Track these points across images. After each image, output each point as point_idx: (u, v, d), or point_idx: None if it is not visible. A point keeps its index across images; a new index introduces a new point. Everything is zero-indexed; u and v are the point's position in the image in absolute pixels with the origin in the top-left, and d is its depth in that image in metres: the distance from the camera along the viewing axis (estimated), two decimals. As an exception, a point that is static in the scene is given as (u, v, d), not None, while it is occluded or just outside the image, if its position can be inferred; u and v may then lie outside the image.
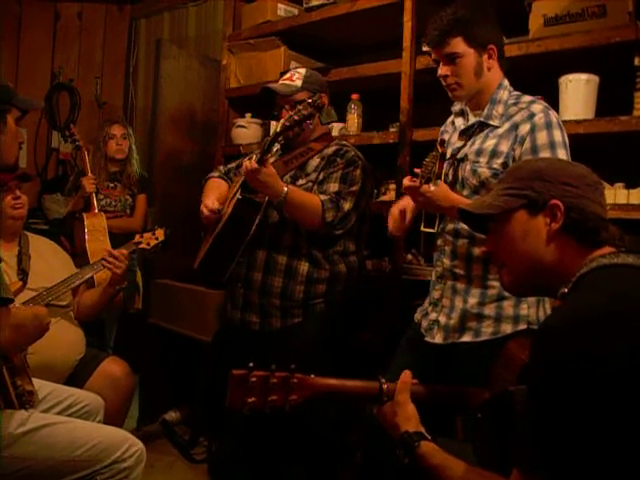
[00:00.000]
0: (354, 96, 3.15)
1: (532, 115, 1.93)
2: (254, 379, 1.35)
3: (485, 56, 2.01)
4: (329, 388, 1.45)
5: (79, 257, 3.30)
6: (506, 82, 2.08)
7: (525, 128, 1.92)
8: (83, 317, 2.72)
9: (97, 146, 3.95)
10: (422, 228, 2.12)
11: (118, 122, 4.09)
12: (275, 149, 2.58)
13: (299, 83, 2.53)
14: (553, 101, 2.48)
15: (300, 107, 2.25)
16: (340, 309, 2.56)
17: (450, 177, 2.06)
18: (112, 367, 2.66)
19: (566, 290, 1.24)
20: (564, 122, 2.36)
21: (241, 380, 1.35)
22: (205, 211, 2.54)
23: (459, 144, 2.10)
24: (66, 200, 4.18)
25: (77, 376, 2.55)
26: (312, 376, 1.43)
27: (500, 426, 1.39)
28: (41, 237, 2.82)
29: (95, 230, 3.47)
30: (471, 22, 1.97)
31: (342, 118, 3.18)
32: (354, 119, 3.15)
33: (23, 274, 2.48)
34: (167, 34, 5.21)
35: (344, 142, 2.67)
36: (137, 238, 2.78)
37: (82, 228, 3.49)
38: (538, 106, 1.96)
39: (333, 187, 2.44)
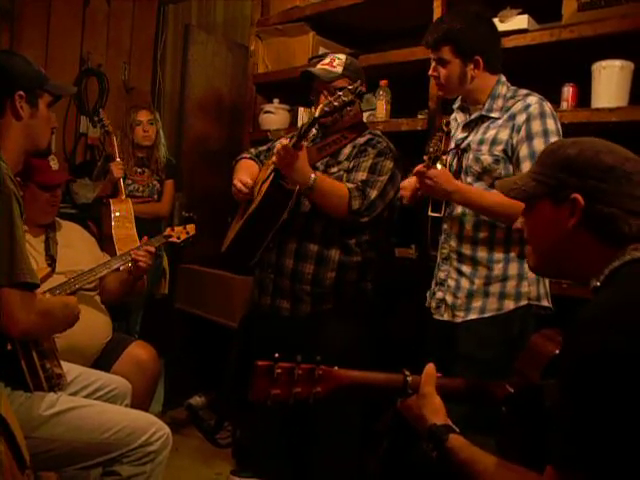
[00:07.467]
0: (382, 82, 3.12)
1: (528, 106, 2.09)
2: (279, 371, 1.32)
3: (470, 65, 2.15)
4: (353, 381, 1.43)
5: (106, 242, 3.31)
6: (503, 78, 2.22)
7: (521, 118, 2.08)
8: (107, 301, 2.74)
9: (124, 132, 3.97)
10: (429, 213, 2.24)
11: (145, 108, 4.06)
12: (311, 134, 2.55)
13: (340, 70, 2.51)
14: (586, 88, 2.44)
15: (341, 93, 2.22)
16: (371, 296, 2.55)
17: (455, 166, 2.22)
18: (138, 351, 2.68)
19: (598, 283, 1.21)
20: (596, 110, 2.35)
21: (266, 371, 1.32)
22: (239, 185, 2.52)
23: (462, 135, 2.25)
24: (94, 185, 4.19)
25: (104, 360, 2.56)
26: (336, 368, 1.41)
27: (526, 421, 1.37)
28: (68, 222, 2.83)
29: (122, 216, 3.47)
30: (461, 34, 2.12)
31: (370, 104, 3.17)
32: (382, 105, 3.12)
33: (51, 260, 2.50)
34: (195, 20, 5.21)
35: (377, 132, 2.64)
36: (168, 231, 2.77)
37: (109, 213, 3.50)
38: (533, 98, 2.11)
39: (361, 176, 2.43)
